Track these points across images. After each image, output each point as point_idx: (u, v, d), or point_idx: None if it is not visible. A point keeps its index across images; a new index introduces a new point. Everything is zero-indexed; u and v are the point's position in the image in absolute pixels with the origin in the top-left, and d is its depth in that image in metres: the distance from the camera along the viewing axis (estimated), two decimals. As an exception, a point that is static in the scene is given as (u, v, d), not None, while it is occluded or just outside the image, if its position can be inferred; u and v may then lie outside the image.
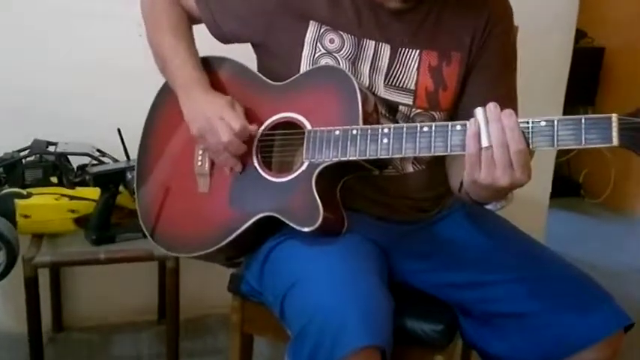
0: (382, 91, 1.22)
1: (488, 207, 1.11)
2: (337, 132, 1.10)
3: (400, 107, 1.22)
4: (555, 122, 0.96)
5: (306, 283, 1.08)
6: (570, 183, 3.78)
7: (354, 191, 1.23)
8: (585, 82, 3.54)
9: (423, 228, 1.33)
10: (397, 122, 1.22)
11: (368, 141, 1.08)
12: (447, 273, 1.27)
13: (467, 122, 1.00)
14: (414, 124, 1.05)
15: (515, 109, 1.25)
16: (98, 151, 1.84)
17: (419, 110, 1.22)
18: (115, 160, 1.81)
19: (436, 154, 1.04)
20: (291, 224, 1.12)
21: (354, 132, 1.09)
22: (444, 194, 1.33)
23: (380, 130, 1.07)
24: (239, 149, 1.18)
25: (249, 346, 1.44)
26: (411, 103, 1.22)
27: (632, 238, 3.26)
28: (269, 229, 1.20)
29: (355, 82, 1.12)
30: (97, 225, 1.68)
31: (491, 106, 0.99)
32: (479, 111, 0.99)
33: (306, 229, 1.10)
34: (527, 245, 1.28)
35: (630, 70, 3.54)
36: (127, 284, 2.14)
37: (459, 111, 1.25)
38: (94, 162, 1.77)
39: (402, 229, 1.31)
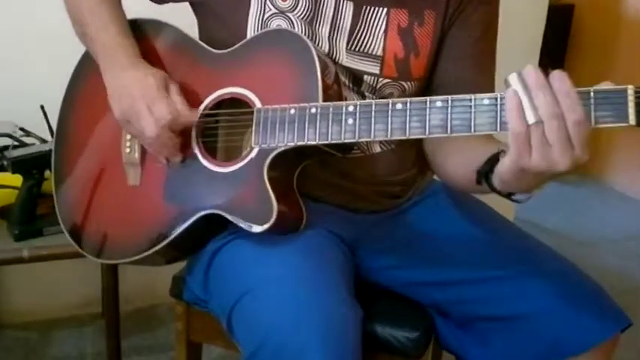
0: (344, 59, 1.05)
1: (517, 198, 0.89)
2: (292, 111, 0.94)
3: (365, 77, 1.06)
4: None
5: (257, 293, 0.92)
6: (537, 148, 3.67)
7: (313, 177, 1.06)
8: (555, 42, 3.40)
9: (392, 217, 1.17)
10: (362, 94, 1.06)
11: (330, 122, 0.91)
12: (420, 269, 1.12)
13: (449, 97, 0.83)
14: (384, 101, 0.88)
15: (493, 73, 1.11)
16: (22, 129, 1.62)
17: (387, 80, 1.06)
18: (43, 141, 1.59)
19: (412, 136, 0.87)
20: (239, 224, 0.95)
21: (313, 110, 0.92)
22: (416, 177, 1.18)
23: (344, 108, 0.90)
24: (169, 142, 1.01)
25: (197, 353, 1.28)
26: (377, 72, 1.06)
27: (601, 205, 3.20)
28: (214, 226, 1.03)
29: (313, 49, 0.95)
30: (20, 217, 1.47)
31: (531, 70, 0.77)
32: (514, 77, 0.78)
33: (257, 229, 0.93)
34: (510, 236, 1.13)
35: (601, 28, 3.44)
36: (68, 275, 1.95)
37: (434, 79, 1.09)
38: (16, 143, 1.55)
39: (369, 220, 1.14)
